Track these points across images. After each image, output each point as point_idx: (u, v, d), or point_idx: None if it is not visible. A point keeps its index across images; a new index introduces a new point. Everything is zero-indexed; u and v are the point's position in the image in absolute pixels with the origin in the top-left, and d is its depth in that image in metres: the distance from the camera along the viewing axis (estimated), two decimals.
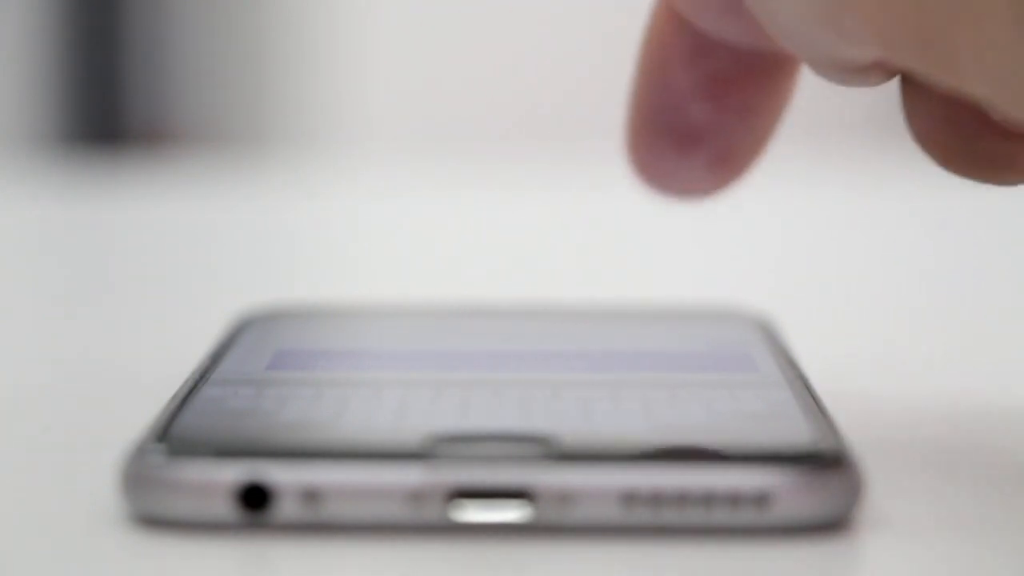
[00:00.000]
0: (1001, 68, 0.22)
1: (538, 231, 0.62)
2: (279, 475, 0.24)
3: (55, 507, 0.26)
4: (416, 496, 0.24)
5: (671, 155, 0.32)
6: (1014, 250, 0.56)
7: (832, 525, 0.24)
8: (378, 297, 0.42)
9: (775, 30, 0.26)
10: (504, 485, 0.24)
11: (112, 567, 0.24)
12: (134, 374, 0.35)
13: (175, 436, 0.25)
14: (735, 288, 0.48)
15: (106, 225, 0.64)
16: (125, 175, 0.81)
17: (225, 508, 0.24)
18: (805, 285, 0.50)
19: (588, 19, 1.58)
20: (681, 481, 0.24)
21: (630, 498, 0.24)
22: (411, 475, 0.24)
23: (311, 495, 0.24)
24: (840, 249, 0.59)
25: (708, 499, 0.24)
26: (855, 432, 0.27)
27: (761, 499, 0.24)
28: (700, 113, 0.31)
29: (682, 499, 0.24)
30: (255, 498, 0.24)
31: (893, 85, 0.27)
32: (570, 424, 0.26)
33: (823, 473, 0.24)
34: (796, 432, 0.26)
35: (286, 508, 0.24)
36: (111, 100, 1.58)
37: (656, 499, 0.24)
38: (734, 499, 0.24)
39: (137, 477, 0.24)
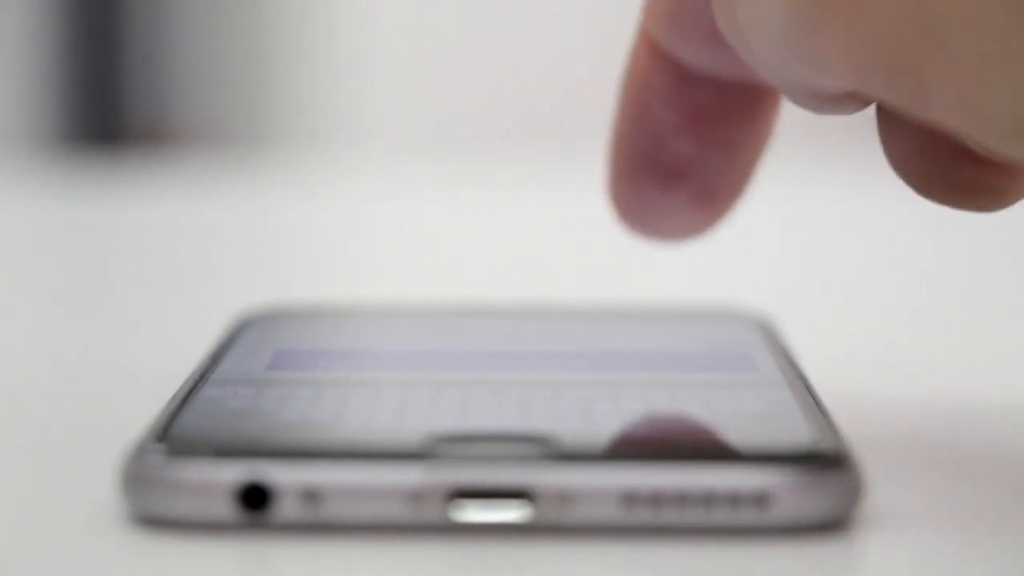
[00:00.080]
0: (970, 98, 0.22)
1: (538, 231, 0.62)
2: (279, 475, 0.24)
3: (55, 507, 0.26)
4: (416, 496, 0.24)
5: (654, 193, 0.32)
6: (1014, 250, 0.56)
7: (832, 525, 0.24)
8: (378, 297, 0.42)
9: (751, 60, 0.26)
10: (504, 485, 0.24)
11: (112, 567, 0.24)
12: (134, 374, 0.35)
13: (175, 436, 0.25)
14: (735, 288, 0.48)
15: (106, 225, 0.64)
16: (125, 175, 0.81)
17: (225, 508, 0.24)
18: (805, 285, 0.50)
19: (588, 19, 1.57)
20: (681, 481, 0.24)
21: (630, 498, 0.24)
22: (411, 475, 0.24)
23: (311, 495, 0.24)
24: (840, 249, 0.59)
25: (708, 499, 0.24)
26: (855, 432, 0.27)
27: (761, 499, 0.24)
28: (683, 148, 0.32)
29: (682, 499, 0.24)
30: (255, 498, 0.24)
31: None
32: (570, 424, 0.26)
33: (823, 473, 0.24)
34: (796, 432, 0.26)
35: (286, 508, 0.24)
36: (111, 100, 1.58)
37: (656, 499, 0.24)
38: (734, 499, 0.24)
39: (137, 477, 0.24)
